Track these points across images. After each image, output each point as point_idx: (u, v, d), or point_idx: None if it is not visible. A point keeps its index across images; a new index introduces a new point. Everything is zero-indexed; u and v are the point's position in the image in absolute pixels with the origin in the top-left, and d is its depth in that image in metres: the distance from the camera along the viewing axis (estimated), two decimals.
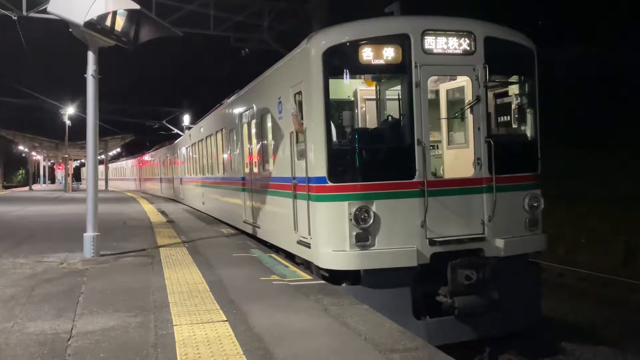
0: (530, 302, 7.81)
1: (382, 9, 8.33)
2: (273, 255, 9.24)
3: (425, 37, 7.31)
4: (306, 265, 8.10)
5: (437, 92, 8.75)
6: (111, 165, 67.21)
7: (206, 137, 17.40)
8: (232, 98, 13.56)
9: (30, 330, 5.06)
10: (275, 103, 9.13)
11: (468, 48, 7.48)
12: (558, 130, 21.74)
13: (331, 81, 7.32)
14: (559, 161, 19.91)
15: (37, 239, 11.80)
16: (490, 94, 7.93)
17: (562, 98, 23.93)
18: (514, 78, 8.24)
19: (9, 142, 58.60)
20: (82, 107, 35.41)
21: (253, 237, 11.26)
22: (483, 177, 7.46)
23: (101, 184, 46.70)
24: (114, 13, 8.60)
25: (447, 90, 8.66)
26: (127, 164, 58.34)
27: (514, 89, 8.23)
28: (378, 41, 7.26)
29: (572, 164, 20.97)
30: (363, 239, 7.00)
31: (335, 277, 7.17)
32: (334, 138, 7.37)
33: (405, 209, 7.14)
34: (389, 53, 7.25)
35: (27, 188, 54.39)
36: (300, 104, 7.91)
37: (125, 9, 8.72)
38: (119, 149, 68.67)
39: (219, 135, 15.15)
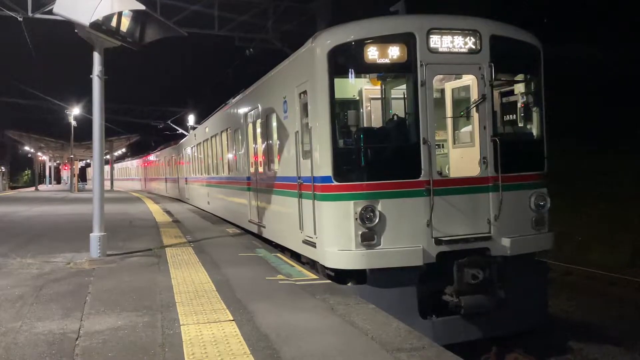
0: (537, 301, 7.79)
1: (387, 8, 8.32)
2: (279, 254, 9.25)
3: (431, 35, 7.29)
4: (312, 264, 8.11)
5: (442, 91, 8.74)
6: (117, 166, 67.46)
7: (211, 137, 17.43)
8: (237, 98, 13.59)
9: (38, 330, 5.08)
10: (281, 103, 9.14)
11: (474, 47, 7.46)
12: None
13: (336, 80, 7.32)
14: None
15: (43, 239, 11.86)
16: (496, 93, 7.91)
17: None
18: (520, 76, 8.22)
19: (15, 143, 58.91)
20: (88, 108, 35.60)
21: (258, 236, 11.28)
22: (489, 176, 7.44)
23: (107, 184, 46.81)
24: (119, 14, 8.63)
25: (453, 89, 8.64)
26: (133, 164, 58.52)
27: (520, 88, 8.21)
28: (383, 40, 7.25)
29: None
30: (369, 238, 7.00)
31: (341, 276, 7.18)
32: (339, 137, 7.37)
33: (411, 208, 7.14)
34: (395, 52, 7.24)
35: (33, 188, 54.59)
36: (305, 104, 7.92)
37: (130, 10, 8.75)
38: (124, 149, 68.92)
39: (224, 135, 15.18)
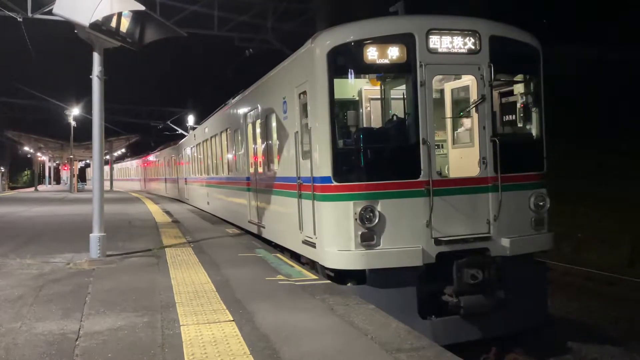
0: (536, 301, 7.79)
1: (386, 9, 8.32)
2: (278, 255, 9.25)
3: (430, 36, 7.30)
4: (311, 265, 8.11)
5: (442, 92, 8.74)
6: (116, 166, 67.42)
7: (211, 137, 17.44)
8: (236, 98, 13.59)
9: (38, 330, 5.08)
10: (280, 103, 9.14)
11: (473, 47, 7.46)
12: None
13: (336, 81, 7.32)
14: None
15: (43, 239, 11.86)
16: (495, 93, 7.91)
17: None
18: (520, 77, 8.22)
19: (14, 143, 58.88)
20: (87, 108, 35.59)
21: (258, 237, 11.28)
22: (488, 176, 7.45)
23: (106, 185, 46.74)
24: (119, 14, 8.63)
25: (452, 90, 8.65)
26: (132, 165, 58.49)
27: (519, 88, 8.21)
28: (383, 41, 7.26)
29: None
30: (368, 238, 7.00)
31: (340, 276, 7.18)
32: (339, 138, 7.37)
33: (411, 208, 7.14)
34: (394, 52, 7.25)
35: (32, 189, 54.59)
36: (304, 104, 7.93)
37: (130, 10, 8.75)
38: (123, 150, 68.85)
39: (224, 136, 15.18)
